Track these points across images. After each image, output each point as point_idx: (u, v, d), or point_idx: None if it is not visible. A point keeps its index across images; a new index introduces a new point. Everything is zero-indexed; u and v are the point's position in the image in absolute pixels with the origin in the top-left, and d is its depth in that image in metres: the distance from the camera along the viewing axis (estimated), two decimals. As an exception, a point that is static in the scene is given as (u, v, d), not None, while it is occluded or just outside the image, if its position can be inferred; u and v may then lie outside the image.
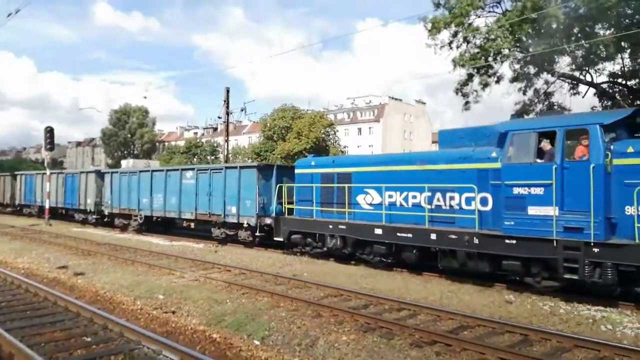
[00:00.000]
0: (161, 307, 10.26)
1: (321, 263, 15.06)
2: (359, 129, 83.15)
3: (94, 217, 27.04)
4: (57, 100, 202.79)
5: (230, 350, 7.91)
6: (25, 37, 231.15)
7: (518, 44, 20.87)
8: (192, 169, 21.35)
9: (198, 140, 74.99)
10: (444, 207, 12.51)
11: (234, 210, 18.60)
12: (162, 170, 23.19)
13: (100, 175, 27.20)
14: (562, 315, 9.08)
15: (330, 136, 59.19)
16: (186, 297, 10.70)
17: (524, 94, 24.02)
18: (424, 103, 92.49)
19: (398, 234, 13.00)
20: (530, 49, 20.38)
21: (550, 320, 8.86)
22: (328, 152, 55.18)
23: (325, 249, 15.19)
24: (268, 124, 58.27)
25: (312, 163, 16.60)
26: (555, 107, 24.15)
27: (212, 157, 64.97)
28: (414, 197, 13.19)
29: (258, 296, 10.56)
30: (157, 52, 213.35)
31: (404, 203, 13.41)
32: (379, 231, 13.49)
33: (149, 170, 23.91)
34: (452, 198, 12.36)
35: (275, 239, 16.85)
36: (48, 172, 29.90)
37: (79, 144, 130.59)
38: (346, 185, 14.76)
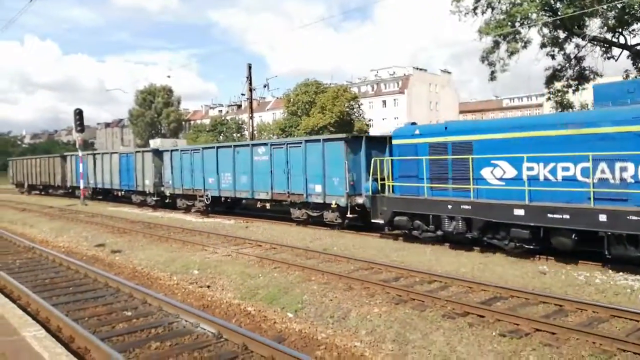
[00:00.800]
0: (196, 282, 10.55)
1: (351, 237, 15.14)
2: (384, 101, 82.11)
3: (154, 199, 25.35)
4: (83, 82, 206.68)
5: (264, 323, 8.12)
6: (48, 21, 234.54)
7: (546, 8, 20.08)
8: (265, 144, 19.09)
9: (223, 118, 75.39)
10: (612, 181, 9.94)
11: (318, 188, 16.55)
12: (229, 146, 20.97)
13: (158, 154, 25.26)
14: (598, 285, 8.95)
15: (355, 109, 58.68)
16: (220, 272, 10.95)
17: (553, 58, 23.21)
18: (450, 72, 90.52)
19: (549, 215, 10.41)
20: (559, 12, 19.59)
21: (585, 290, 8.75)
22: (353, 126, 54.83)
23: (439, 232, 12.94)
24: (291, 100, 58.07)
25: (416, 132, 13.91)
26: (587, 71, 23.31)
27: (238, 135, 65.31)
28: (566, 168, 10.60)
29: (289, 270, 10.73)
30: (177, 31, 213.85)
31: (550, 177, 10.84)
32: (519, 212, 10.92)
33: (213, 147, 21.84)
34: (623, 169, 9.79)
35: (373, 220, 14.66)
36: (80, 153, 30.63)
37: (107, 125, 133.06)
38: (469, 156, 12.22)
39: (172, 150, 24.35)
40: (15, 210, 27.59)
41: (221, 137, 65.24)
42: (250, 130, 32.06)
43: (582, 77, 23.28)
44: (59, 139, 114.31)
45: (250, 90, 30.35)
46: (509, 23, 20.25)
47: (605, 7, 18.96)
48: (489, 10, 21.45)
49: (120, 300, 8.92)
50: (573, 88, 23.40)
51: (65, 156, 34.89)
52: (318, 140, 17.11)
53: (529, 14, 19.91)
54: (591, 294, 8.55)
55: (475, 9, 21.69)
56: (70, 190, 34.68)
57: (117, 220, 20.88)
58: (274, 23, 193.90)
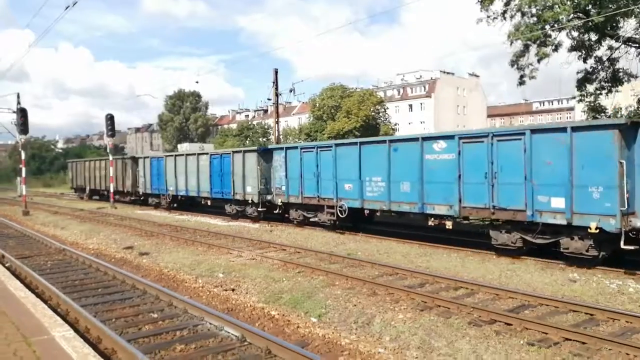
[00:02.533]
0: (221, 285, 10.63)
1: (375, 242, 15.05)
2: (410, 106, 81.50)
3: (258, 209, 20.51)
4: (114, 87, 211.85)
5: (288, 327, 8.11)
6: (82, 28, 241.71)
7: (577, 10, 19.60)
8: (450, 137, 13.36)
9: (249, 123, 76.15)
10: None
11: (558, 203, 10.93)
12: (381, 141, 15.63)
13: (265, 153, 20.62)
14: (632, 294, 8.66)
15: (381, 114, 58.46)
16: (244, 275, 11.02)
17: (585, 61, 22.62)
18: (478, 76, 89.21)
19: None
20: (593, 14, 19.09)
21: (618, 299, 8.47)
22: (378, 130, 54.61)
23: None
24: (317, 104, 58.24)
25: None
26: (621, 73, 22.63)
27: (264, 139, 65.86)
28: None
29: (313, 274, 10.72)
30: (205, 36, 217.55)
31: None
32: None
33: (355, 143, 16.42)
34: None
35: None
36: (111, 157, 31.38)
37: (137, 129, 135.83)
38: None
39: (287, 148, 19.41)
40: (47, 212, 28.41)
41: (247, 141, 65.90)
42: (277, 135, 32.27)
43: (615, 80, 22.64)
44: (91, 144, 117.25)
45: (277, 95, 30.57)
46: (540, 27, 19.85)
47: None
48: (519, 14, 21.07)
49: (146, 302, 9.05)
50: (606, 91, 22.77)
51: (137, 158, 31.09)
52: (563, 130, 11.02)
53: (560, 17, 19.48)
54: (624, 303, 8.27)
55: (504, 12, 21.35)
56: (142, 198, 30.42)
57: (144, 223, 21.26)
58: (301, 27, 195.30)
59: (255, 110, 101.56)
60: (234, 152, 22.47)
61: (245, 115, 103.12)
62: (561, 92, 69.24)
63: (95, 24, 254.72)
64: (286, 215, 19.67)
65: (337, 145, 17.24)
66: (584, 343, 6.52)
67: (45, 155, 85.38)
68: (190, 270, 12.14)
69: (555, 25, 19.95)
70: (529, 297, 8.51)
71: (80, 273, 11.82)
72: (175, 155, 26.90)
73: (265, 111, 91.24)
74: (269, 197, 20.15)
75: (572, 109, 78.61)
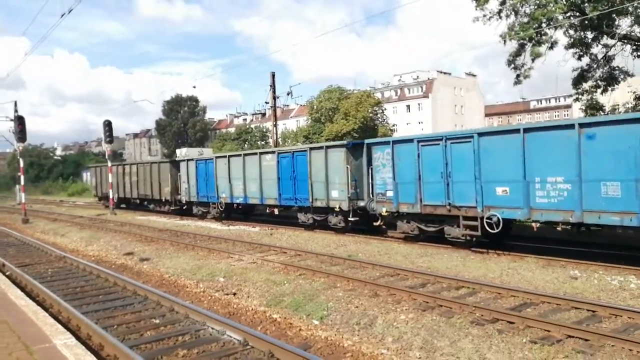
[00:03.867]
0: (222, 289, 10.62)
1: (376, 243, 15.04)
2: (408, 106, 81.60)
3: (350, 218, 16.48)
4: (111, 94, 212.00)
5: (290, 330, 8.10)
6: (79, 34, 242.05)
7: (573, 8, 19.64)
8: None
9: (247, 127, 76.21)
10: None
11: None
12: (568, 126, 11.02)
13: (354, 150, 16.50)
14: (633, 290, 8.66)
15: (378, 115, 58.53)
16: (245, 279, 11.01)
17: (580, 59, 22.66)
18: (475, 75, 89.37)
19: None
20: (588, 11, 19.13)
21: (620, 295, 8.47)
22: (376, 131, 54.64)
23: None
24: (315, 106, 58.29)
25: None
26: (617, 71, 22.68)
27: (262, 142, 65.89)
28: None
29: (315, 277, 10.71)
30: (202, 41, 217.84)
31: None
32: None
33: (515, 131, 11.96)
34: None
35: None
36: (109, 163, 31.35)
37: (135, 135, 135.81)
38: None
39: (394, 142, 14.80)
40: (47, 220, 28.37)
41: (246, 145, 65.94)
42: (275, 138, 32.27)
43: (611, 78, 22.69)
44: (89, 150, 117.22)
45: (274, 98, 30.57)
46: (534, 26, 19.88)
47: (636, 4, 18.44)
48: (514, 13, 21.10)
49: (148, 308, 9.04)
50: (602, 89, 22.82)
51: (179, 161, 26.67)
52: None
53: (555, 16, 19.50)
54: (626, 299, 8.27)
55: (499, 12, 21.38)
56: (184, 207, 26.28)
57: (145, 229, 21.23)
58: (297, 30, 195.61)
59: (253, 114, 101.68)
60: (311, 148, 18.34)
61: (243, 119, 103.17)
62: (558, 90, 69.33)
63: (92, 30, 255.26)
64: (383, 227, 15.81)
65: (480, 135, 12.62)
66: (586, 340, 6.51)
67: (44, 162, 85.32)
68: (191, 275, 12.13)
69: (550, 23, 19.99)
70: (530, 295, 8.50)
71: (81, 280, 11.80)
72: (229, 156, 22.37)
73: (263, 114, 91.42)
74: (361, 204, 16.22)
75: (569, 106, 78.80)
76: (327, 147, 17.49)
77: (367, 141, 16.33)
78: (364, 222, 16.58)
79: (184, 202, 25.89)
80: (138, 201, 30.92)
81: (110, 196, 31.02)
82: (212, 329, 7.58)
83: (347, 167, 16.29)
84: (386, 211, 14.96)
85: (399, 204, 14.58)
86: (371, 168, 15.63)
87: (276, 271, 11.57)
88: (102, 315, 8.66)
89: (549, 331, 6.88)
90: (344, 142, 18.02)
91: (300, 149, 19.46)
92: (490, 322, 7.37)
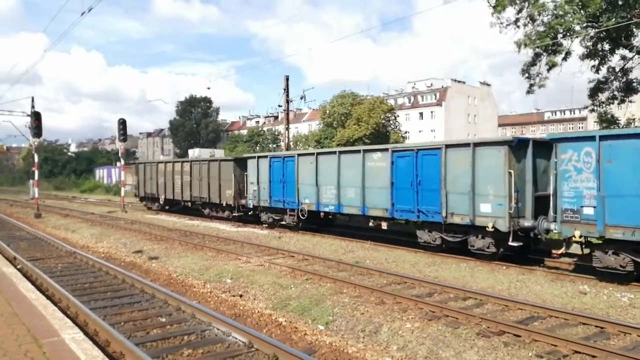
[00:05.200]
0: (229, 290, 10.67)
1: (385, 251, 15.01)
2: (421, 114, 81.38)
3: (512, 243, 12.20)
4: (126, 92, 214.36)
5: (295, 334, 8.11)
6: (98, 33, 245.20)
7: (591, 19, 19.51)
8: None
9: (260, 129, 76.55)
10: None
11: None
12: None
13: (517, 149, 12.47)
14: (643, 308, 8.55)
15: (391, 121, 58.45)
16: (252, 281, 11.04)
17: (597, 71, 22.49)
18: (489, 85, 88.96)
19: None
20: (604, 23, 18.98)
21: (629, 312, 8.37)
22: (388, 138, 54.56)
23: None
24: (327, 111, 58.39)
25: None
26: (635, 83, 22.46)
27: (274, 145, 66.13)
28: None
29: (321, 282, 10.71)
30: (217, 42, 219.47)
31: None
32: None
33: None
34: None
35: None
36: (122, 162, 31.66)
37: (149, 134, 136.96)
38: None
39: (604, 138, 10.43)
40: (59, 215, 28.69)
41: (257, 147, 66.21)
42: (287, 142, 32.37)
43: (629, 90, 22.48)
44: (103, 148, 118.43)
45: (287, 102, 30.69)
46: (550, 35, 19.77)
47: None
48: (531, 22, 21.01)
49: (155, 307, 9.10)
50: (618, 101, 22.61)
51: (246, 159, 22.56)
52: None
53: (572, 27, 19.40)
54: (635, 316, 8.17)
55: (517, 20, 21.31)
56: (249, 212, 22.06)
57: (154, 228, 21.39)
58: (312, 33, 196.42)
59: (265, 117, 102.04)
60: (448, 146, 13.69)
61: (256, 122, 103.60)
62: (573, 102, 68.77)
63: (110, 28, 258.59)
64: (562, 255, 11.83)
65: None
66: (593, 356, 6.45)
67: (58, 158, 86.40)
68: (198, 275, 12.19)
69: (567, 34, 19.87)
70: (538, 308, 8.43)
71: (90, 276, 11.92)
72: (318, 154, 18.55)
73: (276, 117, 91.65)
74: (525, 224, 12.18)
75: (584, 119, 78.08)
76: (476, 144, 13.01)
77: (549, 136, 12.08)
78: (524, 248, 12.73)
79: (250, 207, 21.56)
80: (190, 204, 26.99)
81: (122, 194, 31.32)
82: (218, 329, 7.62)
83: (510, 173, 12.10)
84: (580, 236, 10.66)
85: (605, 226, 10.21)
86: (555, 174, 11.26)
87: (283, 274, 11.59)
88: (110, 312, 8.74)
89: (555, 346, 6.82)
90: (505, 137, 14.38)
91: (429, 146, 14.62)
92: (497, 335, 7.32)
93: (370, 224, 16.97)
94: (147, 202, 31.54)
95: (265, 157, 21.00)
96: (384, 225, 16.18)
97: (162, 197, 28.93)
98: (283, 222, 19.88)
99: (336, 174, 17.10)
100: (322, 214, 18.19)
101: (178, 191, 27.38)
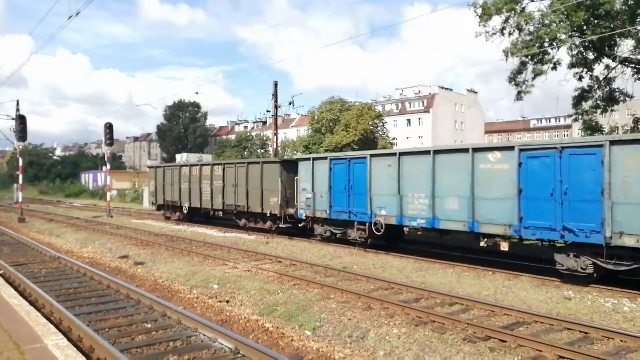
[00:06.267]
0: (216, 296, 10.60)
1: (372, 256, 15.04)
2: (408, 120, 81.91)
3: None
4: (113, 96, 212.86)
5: (282, 340, 8.08)
6: (86, 36, 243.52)
7: (576, 29, 19.85)
8: None
9: (248, 134, 76.38)
10: None
11: None
12: None
13: None
14: (627, 314, 8.66)
15: (379, 128, 58.77)
16: (239, 287, 10.99)
17: (580, 80, 22.88)
18: (476, 92, 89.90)
19: None
20: (588, 33, 19.33)
21: (613, 318, 8.47)
22: (377, 144, 54.81)
23: None
24: (316, 117, 58.53)
25: None
26: (617, 93, 22.87)
27: (262, 151, 66.02)
28: None
29: (309, 287, 10.69)
30: (206, 47, 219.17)
31: None
32: None
33: None
34: None
35: None
36: (108, 166, 31.39)
37: (136, 139, 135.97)
38: None
39: None
40: (43, 220, 28.31)
41: (246, 152, 66.05)
42: (275, 147, 32.35)
43: (611, 99, 22.88)
44: (89, 152, 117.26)
45: (276, 107, 30.72)
46: (537, 44, 20.08)
47: (638, 28, 18.64)
48: (517, 32, 21.32)
49: (140, 312, 9.01)
50: (601, 110, 22.99)
51: (297, 161, 19.01)
52: None
53: (558, 36, 19.72)
54: (619, 322, 8.27)
55: (503, 29, 21.60)
56: (301, 225, 18.62)
57: (141, 233, 21.19)
58: (301, 39, 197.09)
59: (254, 122, 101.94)
60: (616, 142, 10.25)
61: (244, 127, 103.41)
62: (559, 110, 69.78)
63: (99, 32, 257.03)
64: None
65: None
66: (578, 361, 6.51)
67: (43, 162, 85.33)
68: (185, 281, 12.10)
69: (554, 43, 20.19)
70: (524, 314, 8.50)
71: (74, 282, 11.76)
72: (401, 154, 14.73)
73: (264, 123, 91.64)
74: None
75: (569, 127, 79.16)
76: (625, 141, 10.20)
77: None
78: None
79: (303, 218, 18.11)
80: (221, 214, 23.77)
81: (109, 198, 31.02)
82: (204, 335, 7.56)
83: None
84: None
85: None
86: None
87: (271, 280, 11.55)
88: (94, 318, 8.63)
89: (540, 351, 6.88)
90: None
91: (584, 143, 10.94)
92: (483, 340, 7.36)
93: (483, 243, 12.73)
94: (167, 212, 27.32)
95: (324, 159, 17.59)
96: (504, 247, 12.48)
97: (185, 206, 24.88)
98: (348, 238, 16.43)
99: (430, 180, 13.52)
100: (405, 229, 14.82)
101: (207, 199, 23.49)
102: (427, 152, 13.93)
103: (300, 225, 18.74)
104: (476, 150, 12.69)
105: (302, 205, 18.11)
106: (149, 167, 30.78)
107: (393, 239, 16.09)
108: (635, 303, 9.28)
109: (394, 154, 15.01)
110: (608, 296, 9.82)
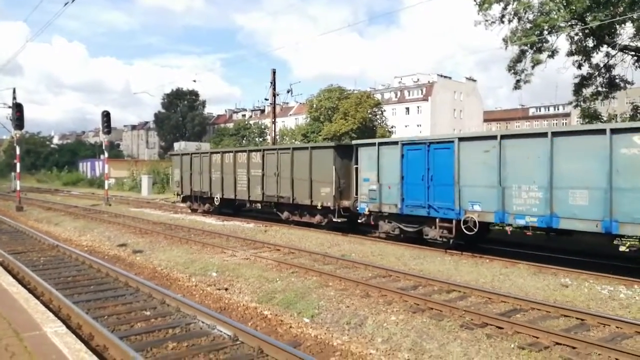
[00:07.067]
0: (214, 284, 10.64)
1: (369, 244, 15.08)
2: (407, 109, 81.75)
3: None
4: (110, 84, 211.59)
5: (280, 327, 8.13)
6: (82, 23, 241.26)
7: (575, 17, 19.72)
8: None
9: (246, 123, 76.20)
10: None
11: None
12: None
13: None
14: (622, 300, 8.72)
15: (378, 116, 58.63)
16: (238, 274, 11.02)
17: (579, 68, 22.79)
18: (475, 80, 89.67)
19: None
20: (588, 20, 19.22)
21: (609, 304, 8.53)
22: (375, 132, 54.72)
23: None
24: (314, 105, 58.35)
25: None
26: (617, 80, 22.80)
27: (260, 139, 65.92)
28: None
29: (307, 275, 10.73)
30: (204, 34, 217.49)
31: None
32: None
33: None
34: None
35: None
36: (106, 154, 31.28)
37: (133, 127, 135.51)
38: None
39: None
40: (41, 208, 28.29)
41: (244, 141, 65.95)
42: (273, 135, 32.27)
43: (612, 86, 22.82)
44: (86, 140, 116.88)
45: (274, 95, 30.57)
46: (536, 32, 19.96)
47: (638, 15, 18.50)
48: (516, 19, 21.18)
49: (139, 300, 9.04)
50: (602, 97, 22.93)
51: (354, 146, 16.46)
52: None
53: (558, 23, 19.59)
54: (615, 308, 8.33)
55: (502, 17, 21.45)
56: (359, 219, 16.40)
57: (139, 221, 21.20)
58: (299, 27, 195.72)
59: (252, 110, 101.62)
60: None
61: (242, 115, 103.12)
62: (557, 98, 69.66)
63: (96, 19, 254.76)
64: None
65: None
66: (574, 347, 6.56)
67: (40, 150, 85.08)
68: (183, 268, 12.13)
69: (553, 31, 20.07)
70: (520, 301, 8.55)
71: (73, 269, 11.79)
72: (503, 136, 12.18)
73: (262, 111, 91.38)
74: None
75: (568, 114, 79.10)
76: None
77: None
78: None
79: (365, 212, 15.56)
80: (259, 205, 21.47)
81: (106, 187, 30.98)
82: (203, 323, 7.60)
83: None
84: None
85: None
86: None
87: (269, 268, 11.59)
88: (93, 306, 8.66)
89: (537, 338, 6.93)
90: None
91: None
92: (480, 327, 7.41)
93: (624, 248, 10.59)
94: (193, 203, 25.00)
95: (394, 143, 14.96)
96: None
97: (217, 196, 22.64)
98: (424, 236, 14.05)
99: (545, 168, 11.13)
100: (508, 228, 12.56)
101: (242, 189, 21.27)
102: (541, 134, 11.42)
103: (360, 221, 16.37)
104: (616, 130, 10.23)
105: (362, 197, 15.64)
106: (172, 155, 27.75)
107: (472, 238, 13.18)
108: (631, 290, 9.34)
109: (493, 137, 12.33)
110: (604, 283, 9.87)
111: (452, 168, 13.07)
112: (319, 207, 17.42)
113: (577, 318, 7.74)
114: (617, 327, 7.31)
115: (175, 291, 10.09)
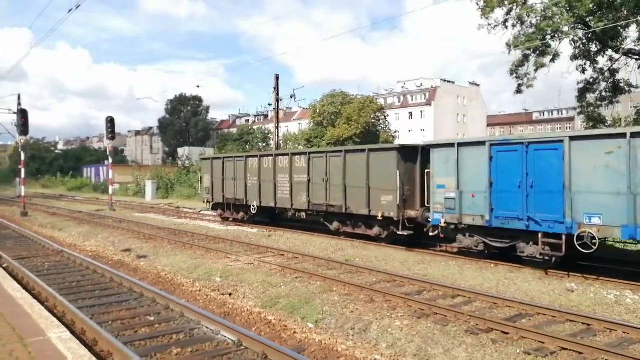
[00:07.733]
0: (218, 289, 10.62)
1: (374, 249, 15.04)
2: (410, 113, 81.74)
3: None
4: (114, 90, 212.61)
5: (285, 332, 8.10)
6: (87, 30, 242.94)
7: (579, 21, 19.71)
8: None
9: (250, 128, 76.32)
10: None
11: None
12: None
13: None
14: (629, 305, 8.65)
15: (381, 121, 58.67)
16: (242, 280, 11.01)
17: (583, 72, 22.75)
18: (478, 85, 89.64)
19: None
20: (592, 24, 19.20)
21: (615, 310, 8.47)
22: (378, 137, 54.73)
23: None
24: (318, 110, 58.44)
25: None
26: (622, 84, 22.73)
27: (263, 144, 65.98)
28: None
29: (311, 280, 10.70)
30: (207, 40, 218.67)
31: None
32: None
33: None
34: None
35: None
36: (110, 160, 31.41)
37: (137, 133, 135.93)
38: None
39: None
40: (46, 214, 28.38)
41: (247, 146, 66.03)
42: (277, 140, 32.30)
43: (616, 90, 22.75)
44: (91, 146, 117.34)
45: (277, 100, 30.63)
46: (539, 37, 19.95)
47: None
48: (519, 24, 21.18)
49: (143, 305, 9.03)
50: (606, 102, 22.87)
51: (425, 148, 14.53)
52: None
53: (561, 27, 19.59)
54: (621, 313, 8.27)
55: (505, 21, 21.46)
56: (431, 232, 13.83)
57: (143, 227, 21.22)
58: (302, 32, 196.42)
59: (255, 115, 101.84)
60: None
61: (246, 120, 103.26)
62: (561, 102, 69.55)
63: (101, 26, 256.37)
64: None
65: None
66: (580, 353, 6.52)
67: (45, 156, 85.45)
68: (187, 274, 12.13)
69: (556, 35, 20.05)
70: (526, 306, 8.50)
71: (77, 275, 11.80)
72: (632, 134, 9.85)
73: (266, 116, 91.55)
74: None
75: (572, 119, 78.90)
76: None
77: None
78: None
79: (441, 223, 13.25)
80: (304, 214, 19.48)
81: (110, 192, 31.06)
82: (207, 328, 7.58)
83: None
84: None
85: None
86: None
87: (273, 273, 11.57)
88: (97, 311, 8.66)
89: (543, 343, 6.88)
90: None
91: None
92: (485, 332, 7.37)
93: None
94: (225, 211, 22.52)
95: (481, 144, 12.58)
96: None
97: (254, 204, 20.40)
98: (519, 254, 11.76)
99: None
100: None
101: (284, 196, 18.97)
102: None
103: (431, 234, 13.89)
104: None
105: (437, 207, 13.44)
106: (202, 159, 26.18)
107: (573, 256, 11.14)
108: (637, 295, 9.27)
109: (621, 135, 9.97)
110: (611, 288, 9.80)
111: (560, 173, 10.76)
112: (379, 218, 15.15)
113: (583, 323, 7.69)
114: (624, 333, 7.25)
115: (179, 296, 10.08)
